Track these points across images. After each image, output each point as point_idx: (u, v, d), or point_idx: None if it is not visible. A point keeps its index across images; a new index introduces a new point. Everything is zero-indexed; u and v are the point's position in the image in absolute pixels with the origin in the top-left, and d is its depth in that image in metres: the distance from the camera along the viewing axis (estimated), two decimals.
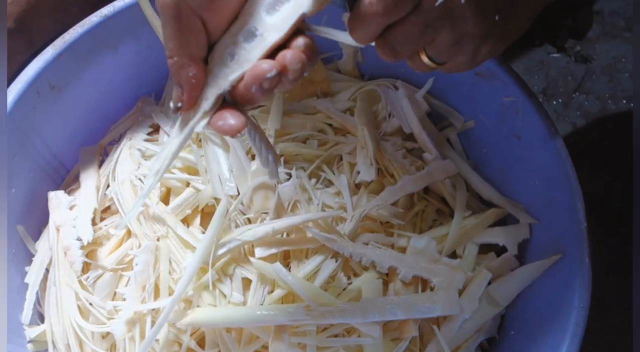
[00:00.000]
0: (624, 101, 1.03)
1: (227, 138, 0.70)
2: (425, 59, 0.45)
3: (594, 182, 0.94)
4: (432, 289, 0.66)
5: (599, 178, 0.95)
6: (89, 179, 0.70)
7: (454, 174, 0.71)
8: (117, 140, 0.75)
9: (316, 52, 0.43)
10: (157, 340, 0.62)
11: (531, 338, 0.65)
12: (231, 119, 0.43)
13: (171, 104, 0.45)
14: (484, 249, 0.71)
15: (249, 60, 0.43)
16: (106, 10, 0.67)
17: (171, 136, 0.47)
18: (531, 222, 0.68)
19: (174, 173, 0.69)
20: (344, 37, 0.46)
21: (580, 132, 1.00)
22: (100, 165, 0.73)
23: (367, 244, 0.67)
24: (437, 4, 0.40)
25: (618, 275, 0.89)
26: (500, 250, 0.71)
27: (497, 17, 0.41)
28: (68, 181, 0.73)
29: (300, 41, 0.42)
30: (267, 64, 0.41)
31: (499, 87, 0.68)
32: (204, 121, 0.44)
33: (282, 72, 0.41)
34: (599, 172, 0.96)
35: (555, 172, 0.63)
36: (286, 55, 0.41)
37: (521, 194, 0.71)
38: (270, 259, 0.65)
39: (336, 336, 0.63)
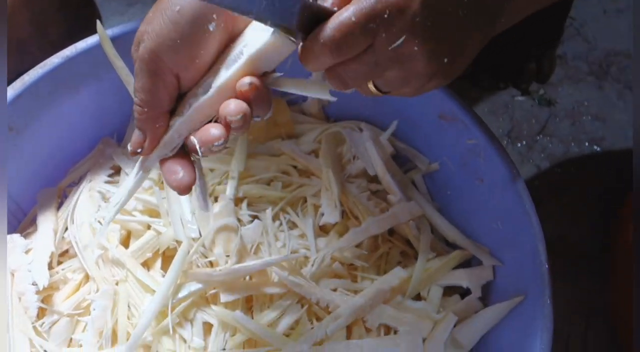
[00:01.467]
0: (587, 144, 1.04)
1: None
2: (372, 87, 0.46)
3: (556, 223, 0.95)
4: (396, 332, 0.65)
5: (561, 220, 0.96)
6: (47, 222, 0.68)
7: (419, 216, 0.71)
8: (76, 183, 0.74)
9: (264, 93, 0.43)
10: None
11: None
12: (183, 173, 0.46)
13: (129, 147, 0.47)
14: (449, 291, 0.71)
15: (196, 107, 0.44)
16: (68, 51, 0.67)
17: (130, 175, 0.50)
18: (495, 264, 0.68)
19: (134, 215, 0.68)
20: (307, 90, 0.46)
21: (544, 175, 1.01)
22: (58, 208, 0.71)
23: (335, 291, 0.66)
24: (390, 47, 0.40)
25: (581, 317, 0.90)
26: (464, 292, 0.70)
27: (445, 60, 0.42)
28: (25, 224, 0.72)
29: (245, 80, 0.42)
30: (217, 130, 0.43)
31: (461, 130, 0.69)
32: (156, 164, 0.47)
33: (226, 127, 0.43)
34: (562, 214, 0.97)
35: (517, 215, 0.64)
36: (229, 105, 0.42)
37: (485, 236, 0.71)
38: (233, 303, 0.64)
39: None
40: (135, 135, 0.46)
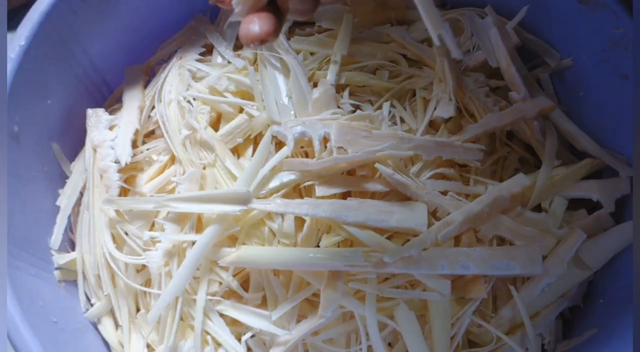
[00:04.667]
0: None
1: (289, 61, 0.62)
2: None
3: None
4: (511, 244, 0.57)
5: None
6: (133, 99, 0.63)
7: (549, 109, 0.61)
8: (165, 61, 0.68)
9: None
10: (195, 278, 0.56)
11: (623, 310, 0.56)
12: (257, 23, 0.40)
13: None
14: (574, 205, 0.61)
15: None
16: None
17: None
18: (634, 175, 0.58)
19: (225, 97, 0.62)
20: None
21: None
22: (146, 86, 0.66)
23: (445, 194, 0.58)
24: None
25: None
26: (592, 207, 0.61)
27: None
28: (111, 101, 0.67)
29: None
30: None
31: (607, 17, 0.58)
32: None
33: None
34: None
35: None
36: None
37: (622, 145, 0.61)
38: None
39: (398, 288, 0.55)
40: None
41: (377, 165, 0.56)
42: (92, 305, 0.59)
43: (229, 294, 0.57)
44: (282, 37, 0.62)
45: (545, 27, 0.66)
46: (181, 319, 0.56)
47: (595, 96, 0.63)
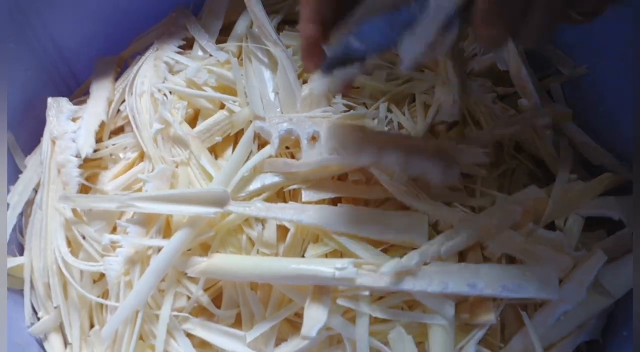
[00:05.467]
0: None
1: (277, 55, 0.56)
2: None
3: None
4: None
5: None
6: (101, 90, 0.57)
7: (564, 117, 0.55)
8: (141, 53, 0.61)
9: None
10: (160, 290, 0.48)
11: None
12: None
13: None
14: (590, 225, 0.55)
15: None
16: None
17: None
18: None
19: (205, 90, 0.55)
20: None
21: None
22: (117, 79, 0.59)
23: (449, 205, 0.51)
24: None
25: None
26: (611, 228, 0.54)
27: None
28: (77, 94, 0.61)
29: None
30: None
31: (630, 13, 0.53)
32: None
33: None
34: None
35: None
36: None
37: None
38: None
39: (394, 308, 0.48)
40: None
41: (372, 169, 0.49)
42: (38, 319, 0.51)
43: (198, 311, 0.50)
44: (270, 30, 0.57)
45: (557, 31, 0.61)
46: (140, 337, 0.48)
47: (614, 107, 0.57)
